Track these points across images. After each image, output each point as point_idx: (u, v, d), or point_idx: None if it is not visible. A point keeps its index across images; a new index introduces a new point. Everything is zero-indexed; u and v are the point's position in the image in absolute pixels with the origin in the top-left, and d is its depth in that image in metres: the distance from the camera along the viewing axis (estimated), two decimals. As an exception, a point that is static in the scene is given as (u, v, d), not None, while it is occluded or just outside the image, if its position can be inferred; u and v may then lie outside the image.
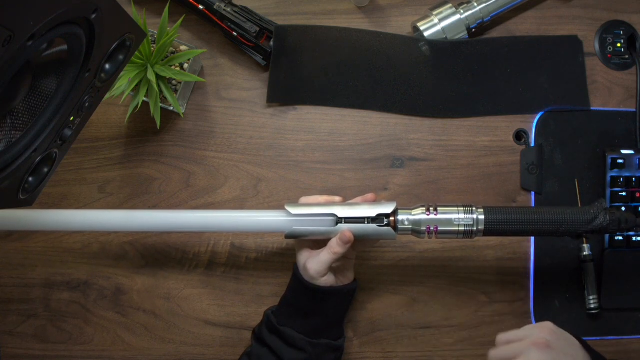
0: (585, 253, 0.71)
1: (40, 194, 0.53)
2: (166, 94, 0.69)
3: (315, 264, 0.61)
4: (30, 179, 0.49)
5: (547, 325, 0.55)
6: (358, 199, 0.65)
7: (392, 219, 0.61)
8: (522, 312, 0.72)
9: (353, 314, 0.73)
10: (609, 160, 0.72)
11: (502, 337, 0.57)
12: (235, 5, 0.72)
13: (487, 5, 0.73)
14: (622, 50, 0.76)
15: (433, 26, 0.73)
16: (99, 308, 0.73)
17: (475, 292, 0.73)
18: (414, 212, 0.61)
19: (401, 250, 0.74)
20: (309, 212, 0.61)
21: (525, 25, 0.77)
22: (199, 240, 0.74)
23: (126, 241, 0.74)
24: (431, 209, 0.60)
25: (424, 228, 0.60)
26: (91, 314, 0.73)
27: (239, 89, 0.76)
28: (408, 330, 0.72)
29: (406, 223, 0.60)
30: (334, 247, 0.60)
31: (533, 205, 0.74)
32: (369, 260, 0.73)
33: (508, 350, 0.54)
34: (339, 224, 0.60)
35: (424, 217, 0.60)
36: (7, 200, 0.47)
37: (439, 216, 0.60)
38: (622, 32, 0.77)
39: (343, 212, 0.61)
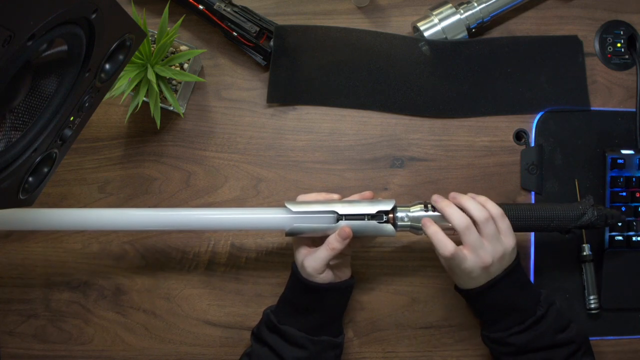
0: (585, 253, 0.71)
1: (40, 194, 0.53)
2: (166, 94, 0.69)
3: (312, 261, 0.61)
4: (30, 179, 0.49)
5: (509, 245, 0.60)
6: (355, 196, 0.66)
7: (391, 215, 0.62)
8: (522, 312, 0.72)
9: (353, 314, 0.73)
10: (609, 160, 0.72)
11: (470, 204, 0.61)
12: (235, 5, 0.72)
13: (487, 5, 0.73)
14: (622, 50, 0.76)
15: (433, 26, 0.73)
16: (99, 308, 0.73)
17: (475, 292, 0.73)
18: (412, 208, 0.62)
19: (401, 250, 0.74)
20: (310, 210, 0.61)
21: (525, 25, 0.77)
22: (199, 240, 0.74)
23: (126, 241, 0.74)
24: (429, 205, 0.62)
25: (421, 224, 0.61)
26: (91, 314, 0.73)
27: (239, 89, 0.76)
28: (408, 330, 0.72)
29: (405, 220, 0.62)
30: (332, 243, 0.60)
31: (533, 205, 0.74)
32: (369, 259, 0.73)
33: (468, 238, 0.59)
34: (340, 221, 0.61)
35: (422, 213, 0.62)
36: (7, 200, 0.46)
37: (437, 212, 0.61)
38: (622, 32, 0.77)
39: (343, 209, 0.61)
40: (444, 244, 0.59)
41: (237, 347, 0.72)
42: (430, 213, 0.62)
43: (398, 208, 0.62)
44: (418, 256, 0.74)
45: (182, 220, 0.63)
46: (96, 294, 0.74)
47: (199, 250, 0.74)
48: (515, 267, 0.61)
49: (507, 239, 0.60)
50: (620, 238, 0.72)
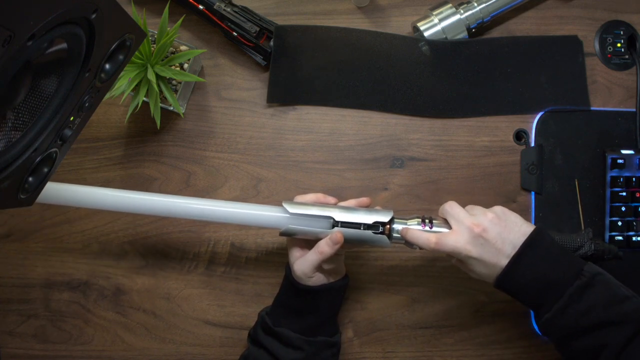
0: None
1: (40, 194, 0.53)
2: (166, 94, 0.69)
3: (301, 265, 0.61)
4: (30, 179, 0.48)
5: (496, 209, 0.59)
6: (352, 202, 0.65)
7: (387, 226, 0.61)
8: (522, 312, 0.72)
9: (353, 314, 0.73)
10: (609, 160, 0.72)
11: (463, 207, 0.61)
12: (235, 5, 0.72)
13: (487, 5, 0.74)
14: (622, 50, 0.76)
15: (433, 26, 0.73)
16: (99, 308, 0.73)
17: (475, 292, 0.73)
18: (409, 222, 0.61)
19: (401, 250, 0.74)
20: (307, 213, 0.61)
21: (525, 25, 0.77)
22: (199, 240, 0.74)
23: (126, 241, 0.74)
24: (427, 221, 0.61)
25: (401, 234, 0.61)
26: (91, 314, 0.73)
27: (239, 89, 0.76)
28: (408, 330, 0.72)
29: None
30: (322, 247, 0.60)
31: (533, 206, 0.74)
32: (369, 260, 0.73)
33: (452, 215, 0.59)
34: (335, 227, 0.61)
35: (419, 227, 0.61)
36: (7, 200, 0.46)
37: (434, 228, 0.60)
38: (622, 32, 0.77)
39: (340, 215, 0.61)
40: (427, 237, 0.58)
41: (237, 347, 0.72)
42: (427, 229, 0.60)
43: (395, 220, 0.61)
44: (418, 256, 0.74)
45: (181, 208, 0.62)
46: (96, 294, 0.74)
47: (199, 250, 0.74)
48: (535, 238, 0.56)
49: (492, 207, 0.59)
50: (620, 238, 0.72)
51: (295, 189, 0.74)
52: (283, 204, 0.62)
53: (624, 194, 0.72)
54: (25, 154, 0.45)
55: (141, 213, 0.63)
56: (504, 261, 0.56)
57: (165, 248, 0.74)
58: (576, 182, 0.74)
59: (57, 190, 0.63)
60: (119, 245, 0.74)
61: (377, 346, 0.72)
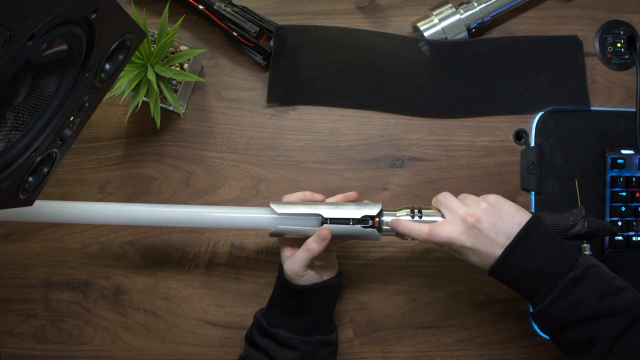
0: (585, 253, 0.71)
1: (40, 194, 0.53)
2: (166, 94, 0.69)
3: (291, 264, 0.61)
4: (30, 179, 0.48)
5: (490, 199, 0.58)
6: (339, 197, 0.65)
7: (377, 219, 0.61)
8: (522, 312, 0.72)
9: (353, 314, 0.73)
10: (609, 160, 0.72)
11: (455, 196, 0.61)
12: (235, 5, 0.72)
13: (487, 5, 0.74)
14: (622, 50, 0.76)
15: (433, 26, 0.73)
16: (99, 308, 0.73)
17: (475, 292, 0.73)
18: (398, 213, 0.61)
19: (401, 250, 0.74)
20: (295, 212, 0.61)
21: (525, 25, 0.77)
22: (199, 240, 0.74)
23: (126, 241, 0.74)
24: (415, 211, 0.61)
25: (390, 226, 0.61)
26: (91, 314, 0.73)
27: (239, 89, 0.76)
28: (408, 330, 0.72)
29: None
30: (310, 244, 0.60)
31: (533, 206, 0.74)
32: (369, 260, 0.73)
33: (445, 205, 0.59)
34: (324, 224, 0.61)
35: (408, 218, 0.61)
36: (7, 200, 0.46)
37: (424, 218, 0.60)
38: (622, 32, 0.77)
39: (328, 212, 0.61)
40: (419, 228, 0.58)
41: (237, 347, 0.72)
42: (416, 219, 0.60)
43: (384, 212, 0.61)
44: (418, 256, 0.74)
45: (167, 216, 0.62)
46: (96, 294, 0.74)
47: (199, 250, 0.74)
48: (530, 229, 0.55)
49: (486, 195, 0.58)
50: (620, 238, 0.72)
51: (295, 189, 0.74)
52: (271, 204, 0.62)
53: (624, 194, 0.72)
54: (25, 154, 0.45)
55: (126, 224, 0.63)
56: (498, 251, 0.55)
57: (165, 248, 0.74)
58: (576, 182, 0.74)
59: (47, 209, 0.63)
60: (119, 245, 0.74)
61: (377, 346, 0.72)
